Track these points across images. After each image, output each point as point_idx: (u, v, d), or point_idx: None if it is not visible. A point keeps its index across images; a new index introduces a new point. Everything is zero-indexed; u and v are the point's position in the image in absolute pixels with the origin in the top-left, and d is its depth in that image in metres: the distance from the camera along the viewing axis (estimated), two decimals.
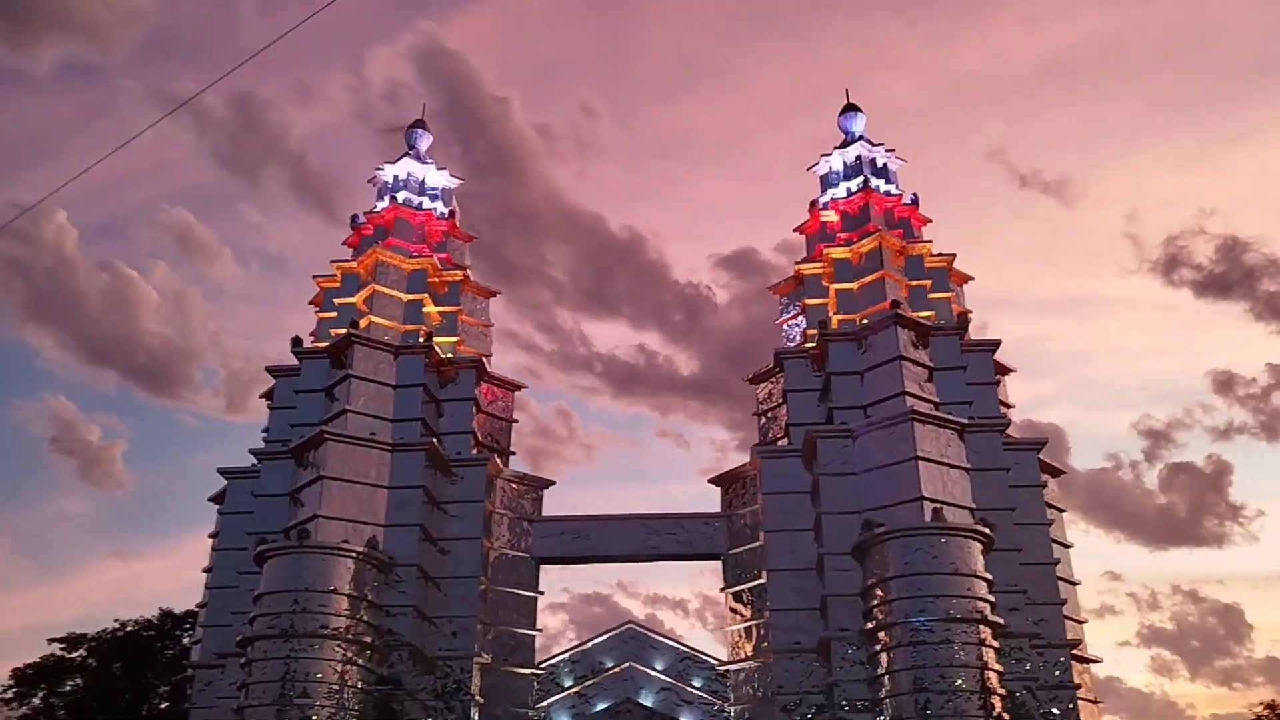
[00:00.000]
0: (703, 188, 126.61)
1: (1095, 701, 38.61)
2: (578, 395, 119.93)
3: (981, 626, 33.95)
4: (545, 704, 41.18)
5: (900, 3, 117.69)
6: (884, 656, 34.87)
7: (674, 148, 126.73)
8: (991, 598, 34.62)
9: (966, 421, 38.75)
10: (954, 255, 45.75)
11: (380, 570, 37.68)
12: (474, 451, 42.78)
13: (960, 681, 33.12)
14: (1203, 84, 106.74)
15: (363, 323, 43.23)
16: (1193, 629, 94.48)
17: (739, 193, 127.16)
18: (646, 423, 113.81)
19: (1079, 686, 37.12)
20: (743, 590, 41.96)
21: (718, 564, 44.26)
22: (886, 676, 34.55)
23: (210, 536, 44.95)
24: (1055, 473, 43.47)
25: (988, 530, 35.66)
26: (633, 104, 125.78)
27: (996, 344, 43.07)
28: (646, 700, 41.04)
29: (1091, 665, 40.38)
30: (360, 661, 35.91)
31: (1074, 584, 40.99)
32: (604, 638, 43.53)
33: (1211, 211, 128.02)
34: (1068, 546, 42.19)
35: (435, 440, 40.82)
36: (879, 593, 35.67)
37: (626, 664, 41.97)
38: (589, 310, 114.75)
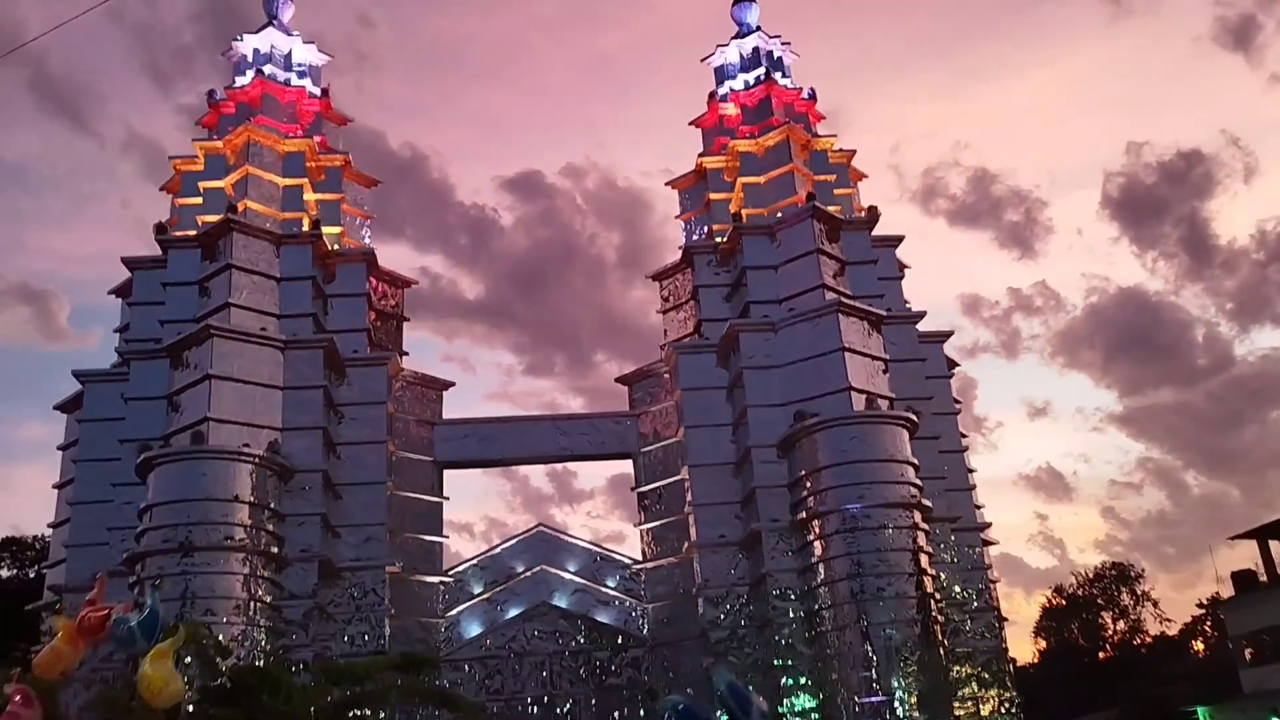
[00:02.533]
0: (483, 102, 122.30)
1: (995, 581, 40.35)
2: None
3: (914, 511, 34.55)
4: (455, 611, 39.26)
5: None
6: (818, 545, 35.02)
7: (453, 60, 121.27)
8: (920, 483, 35.26)
9: (885, 314, 38.98)
10: (854, 151, 45.71)
11: (280, 478, 34.44)
12: (369, 351, 39.56)
13: (896, 565, 33.70)
14: (958, 19, 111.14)
15: (239, 207, 38.76)
16: None
17: (520, 108, 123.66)
18: (431, 347, 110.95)
19: (989, 567, 38.73)
20: (657, 488, 41.12)
21: (622, 463, 43.42)
22: (820, 564, 34.75)
23: (62, 448, 40.05)
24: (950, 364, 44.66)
25: (914, 417, 36.14)
26: (410, 14, 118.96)
27: (900, 239, 43.54)
28: (561, 602, 39.80)
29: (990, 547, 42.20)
30: (266, 574, 32.87)
31: (971, 470, 42.43)
32: (513, 542, 41.83)
33: (966, 145, 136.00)
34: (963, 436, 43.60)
35: (331, 338, 37.40)
36: (809, 483, 35.68)
37: (538, 567, 40.48)
38: (371, 232, 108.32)
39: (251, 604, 32.15)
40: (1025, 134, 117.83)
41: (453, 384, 42.62)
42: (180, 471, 32.60)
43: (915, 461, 35.47)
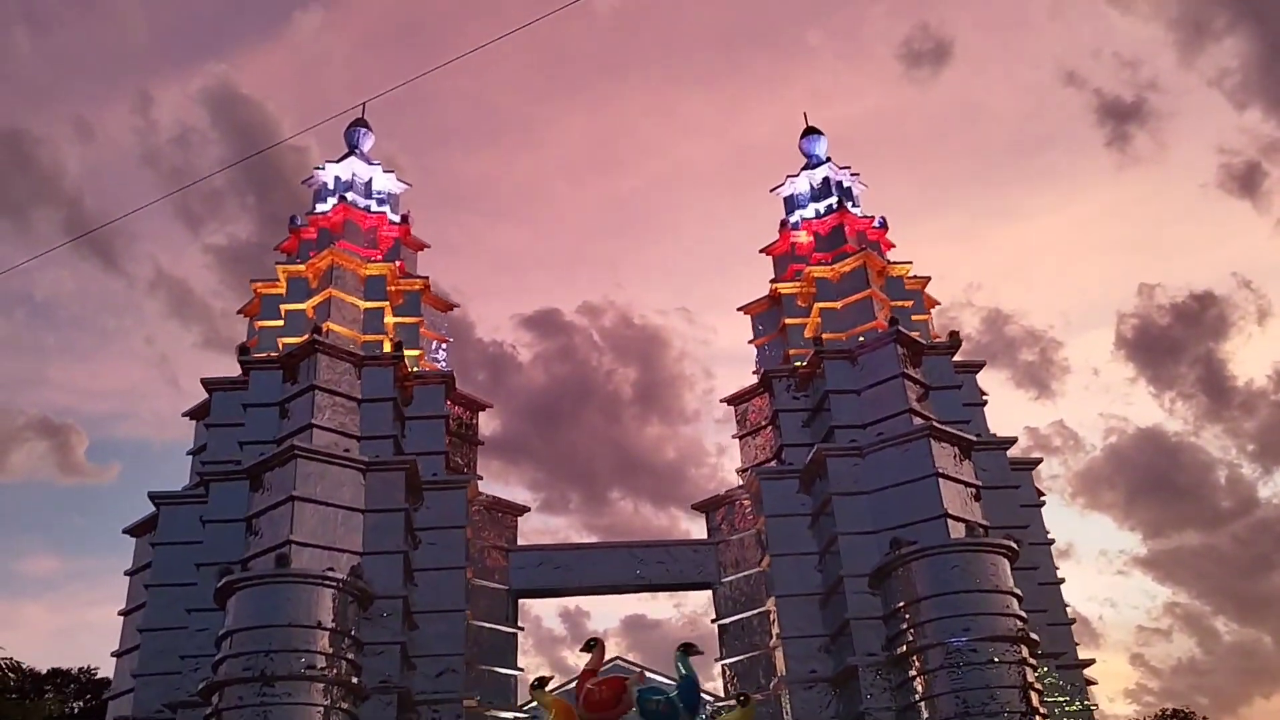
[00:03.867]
0: (504, 241, 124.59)
1: None
2: None
3: (1022, 646, 32.88)
4: None
5: (698, 75, 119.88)
6: (919, 682, 33.25)
7: (475, 200, 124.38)
8: (1025, 615, 33.68)
9: (975, 439, 38.10)
10: (929, 278, 45.69)
11: (360, 604, 33.31)
12: (446, 473, 38.85)
13: (1006, 703, 31.85)
14: (970, 164, 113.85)
15: (323, 329, 38.77)
16: None
17: (539, 249, 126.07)
18: None
19: (1096, 706, 36.67)
20: (739, 620, 39.55)
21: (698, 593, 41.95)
22: (923, 703, 32.91)
23: (129, 573, 39.18)
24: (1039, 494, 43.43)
25: (1014, 545, 34.82)
26: (434, 154, 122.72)
27: (981, 365, 43.04)
28: None
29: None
30: (344, 706, 31.41)
31: (1067, 605, 40.68)
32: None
33: (978, 286, 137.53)
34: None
35: (414, 460, 36.78)
36: (908, 615, 34.16)
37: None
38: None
39: None
40: (1037, 276, 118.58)
41: (528, 509, 41.79)
42: (262, 596, 31.56)
43: (1019, 592, 33.97)
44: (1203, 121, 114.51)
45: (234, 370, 39.41)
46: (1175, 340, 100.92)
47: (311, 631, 31.31)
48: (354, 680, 31.79)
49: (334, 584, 32.28)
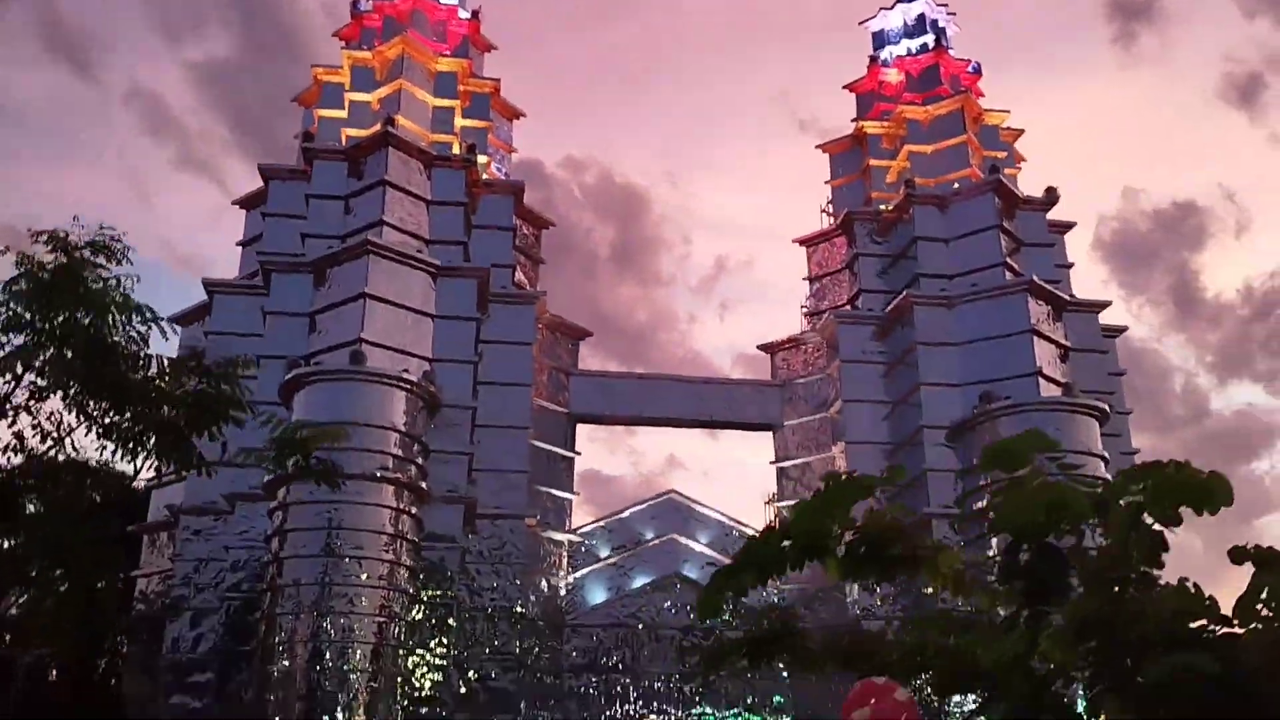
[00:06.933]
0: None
1: None
2: None
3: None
4: (581, 574, 36.80)
5: None
6: (994, 541, 32.50)
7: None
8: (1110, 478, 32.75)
9: (1070, 299, 36.60)
10: (1022, 131, 43.39)
11: (429, 411, 31.95)
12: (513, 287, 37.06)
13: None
14: (968, 50, 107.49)
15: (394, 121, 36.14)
16: None
17: (528, 97, 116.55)
18: None
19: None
20: (797, 464, 38.70)
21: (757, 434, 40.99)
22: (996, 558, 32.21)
23: None
24: None
25: (1106, 409, 33.72)
26: None
27: (1072, 224, 41.29)
28: (691, 574, 37.27)
29: None
30: (413, 511, 30.40)
31: None
32: (643, 506, 39.30)
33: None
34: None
35: (486, 270, 34.88)
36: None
37: (668, 536, 37.97)
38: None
39: (398, 541, 29.69)
40: (1025, 167, 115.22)
41: (591, 334, 40.22)
42: (334, 392, 30.04)
43: (1106, 456, 33.03)
44: (1211, 27, 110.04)
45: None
46: (1152, 247, 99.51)
47: (384, 432, 29.98)
48: (422, 485, 30.67)
49: (407, 386, 30.79)
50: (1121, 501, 4.68)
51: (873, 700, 4.72)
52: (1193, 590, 4.89)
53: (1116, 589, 4.71)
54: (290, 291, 33.77)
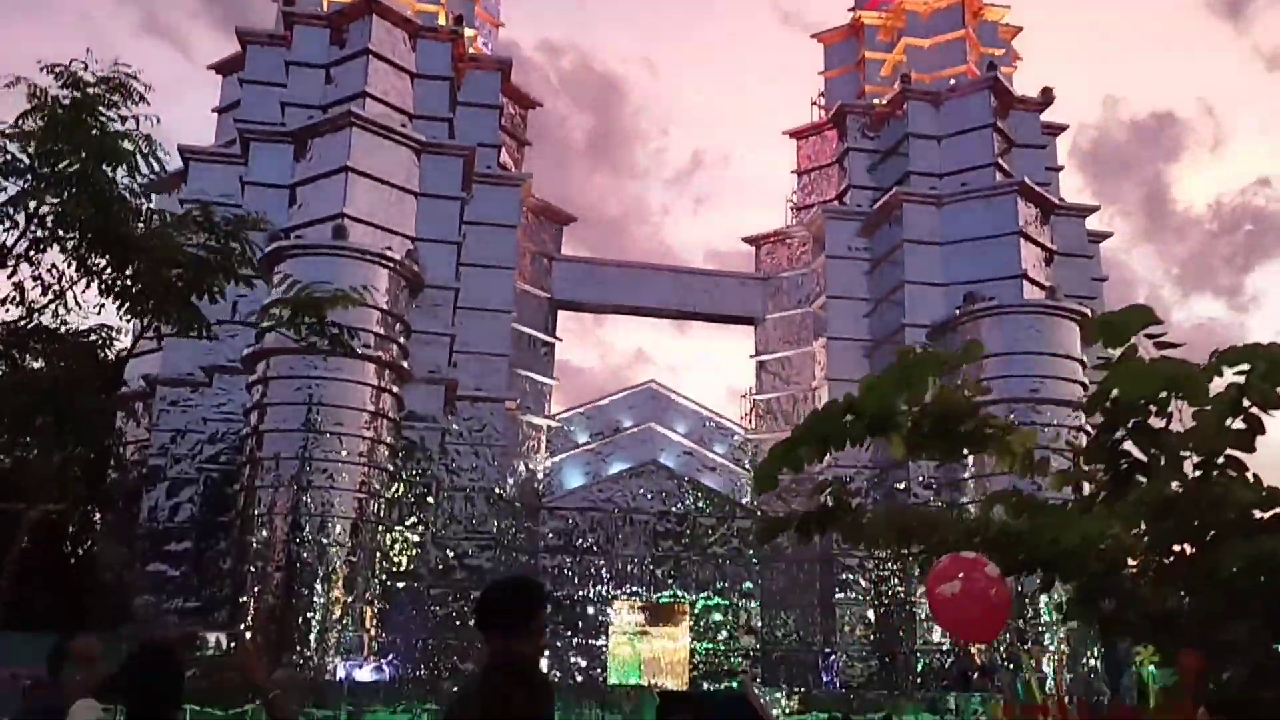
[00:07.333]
0: None
1: None
2: None
3: (1082, 414, 32.57)
4: (558, 458, 37.07)
5: None
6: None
7: None
8: (1088, 383, 33.24)
9: (1059, 202, 36.44)
10: (1020, 29, 42.50)
11: (411, 290, 31.55)
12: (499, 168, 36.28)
13: (1058, 465, 31.78)
14: None
15: None
16: None
17: None
18: None
19: None
20: (775, 359, 38.83)
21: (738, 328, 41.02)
22: (974, 460, 32.78)
23: None
24: None
25: (1088, 313, 33.90)
26: None
27: (1064, 127, 40.92)
28: (668, 462, 37.67)
29: None
30: (394, 390, 30.29)
31: None
32: (622, 395, 39.46)
33: None
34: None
35: (472, 148, 34.04)
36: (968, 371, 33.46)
37: (646, 424, 38.22)
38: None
39: (378, 419, 29.64)
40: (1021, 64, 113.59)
41: (575, 219, 39.62)
42: (314, 266, 29.18)
43: (1085, 360, 33.37)
44: None
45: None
46: (1128, 157, 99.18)
47: (366, 310, 29.48)
48: (404, 365, 30.47)
49: (390, 264, 30.31)
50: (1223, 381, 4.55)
51: (960, 574, 4.66)
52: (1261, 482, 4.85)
53: (1200, 472, 4.64)
54: (270, 162, 32.83)
